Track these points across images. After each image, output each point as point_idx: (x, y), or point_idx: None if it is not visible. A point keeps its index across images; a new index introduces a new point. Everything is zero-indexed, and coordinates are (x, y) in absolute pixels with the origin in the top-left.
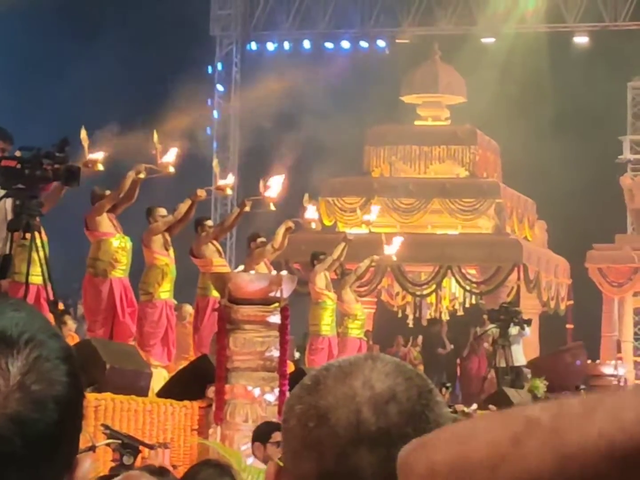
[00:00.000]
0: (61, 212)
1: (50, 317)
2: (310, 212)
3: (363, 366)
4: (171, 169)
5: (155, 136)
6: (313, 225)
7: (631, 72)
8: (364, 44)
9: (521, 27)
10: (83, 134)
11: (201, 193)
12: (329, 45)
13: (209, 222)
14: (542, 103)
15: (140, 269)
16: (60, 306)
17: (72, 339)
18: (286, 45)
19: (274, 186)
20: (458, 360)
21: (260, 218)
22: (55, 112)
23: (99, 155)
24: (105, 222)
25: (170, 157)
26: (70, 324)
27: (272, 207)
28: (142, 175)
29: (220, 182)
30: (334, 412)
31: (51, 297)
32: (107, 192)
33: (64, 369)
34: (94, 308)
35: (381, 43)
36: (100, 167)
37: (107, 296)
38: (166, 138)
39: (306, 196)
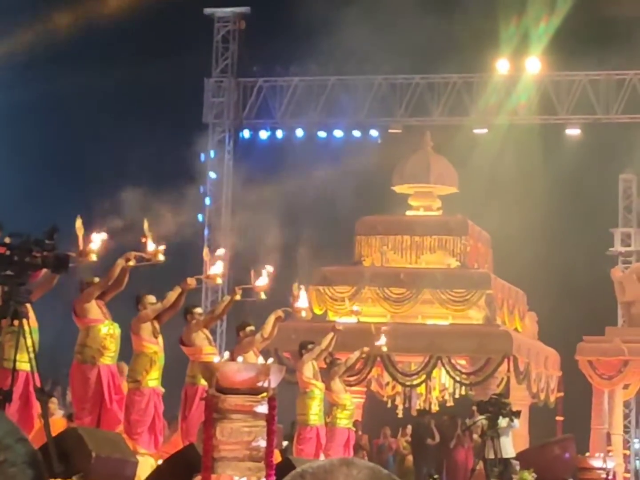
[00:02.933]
0: (51, 297)
1: (38, 404)
2: (301, 300)
3: (337, 473)
4: (161, 257)
5: (146, 224)
6: (303, 314)
7: (622, 165)
8: (356, 133)
9: (514, 119)
10: (78, 223)
11: (191, 282)
12: (321, 134)
13: (198, 310)
14: (533, 194)
15: (128, 355)
16: None
17: (54, 425)
18: (279, 133)
19: (264, 276)
20: (445, 452)
21: (251, 306)
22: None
23: (94, 246)
24: (94, 309)
25: (152, 246)
26: (53, 408)
27: (263, 296)
28: (131, 263)
29: (210, 271)
30: None
31: (38, 384)
32: (96, 280)
33: (30, 474)
34: (81, 395)
35: (374, 132)
36: (94, 257)
37: (94, 383)
38: (157, 225)
39: (295, 285)
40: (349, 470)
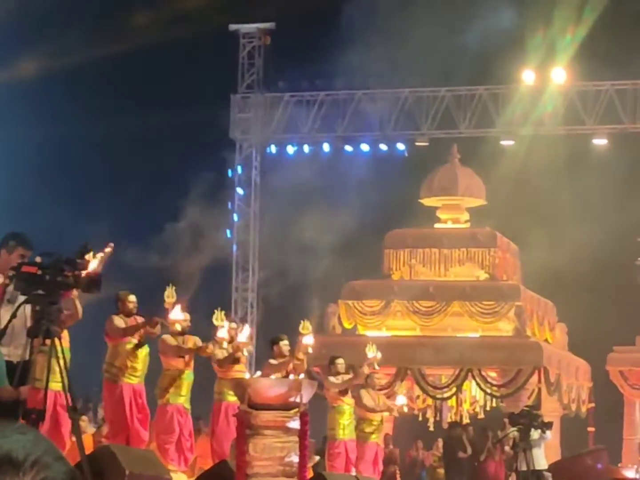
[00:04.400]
0: (85, 313)
1: (67, 423)
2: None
3: None
4: (177, 327)
5: (168, 290)
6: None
7: None
8: (383, 146)
9: (540, 130)
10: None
11: (209, 349)
12: (348, 148)
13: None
14: (561, 205)
15: (159, 373)
16: None
17: (87, 442)
18: (306, 148)
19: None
20: (476, 464)
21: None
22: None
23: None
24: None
25: (177, 314)
26: (84, 426)
27: (246, 353)
28: (154, 331)
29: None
30: None
31: (70, 404)
32: (131, 297)
33: None
34: (110, 413)
35: (400, 146)
36: (109, 249)
37: (118, 401)
38: (185, 242)
39: (303, 325)
40: None
